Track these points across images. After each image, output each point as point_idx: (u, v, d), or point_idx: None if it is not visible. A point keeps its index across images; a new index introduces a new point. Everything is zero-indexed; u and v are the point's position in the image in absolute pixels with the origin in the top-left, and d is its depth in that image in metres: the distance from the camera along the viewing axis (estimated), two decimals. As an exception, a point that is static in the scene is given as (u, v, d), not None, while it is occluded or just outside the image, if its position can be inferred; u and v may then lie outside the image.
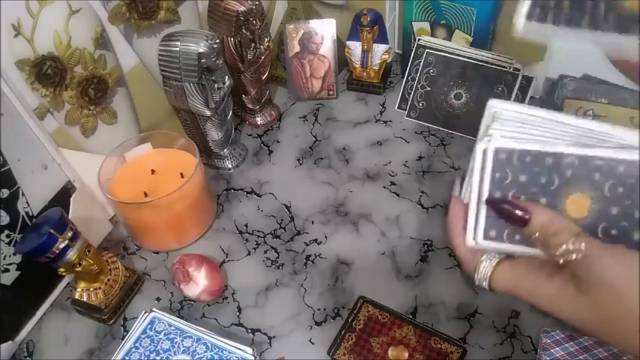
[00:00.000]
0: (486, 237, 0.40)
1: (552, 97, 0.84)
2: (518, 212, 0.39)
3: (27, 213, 0.64)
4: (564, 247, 0.36)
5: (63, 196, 0.69)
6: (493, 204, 0.40)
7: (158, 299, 0.70)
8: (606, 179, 0.38)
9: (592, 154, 0.38)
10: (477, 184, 0.41)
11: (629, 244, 0.37)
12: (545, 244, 0.38)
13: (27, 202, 0.64)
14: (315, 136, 0.89)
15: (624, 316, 0.34)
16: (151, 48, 0.74)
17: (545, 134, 0.40)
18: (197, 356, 0.60)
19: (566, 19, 0.38)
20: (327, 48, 0.92)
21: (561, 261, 0.37)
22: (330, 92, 0.95)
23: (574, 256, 0.36)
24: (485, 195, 0.40)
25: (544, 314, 0.62)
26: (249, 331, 0.65)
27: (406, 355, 0.59)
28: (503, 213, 0.40)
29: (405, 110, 0.89)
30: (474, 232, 0.41)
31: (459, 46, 0.85)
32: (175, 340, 0.61)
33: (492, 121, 0.42)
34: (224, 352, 0.60)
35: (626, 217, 0.38)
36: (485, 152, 0.40)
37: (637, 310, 0.33)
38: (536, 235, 0.38)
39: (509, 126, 0.41)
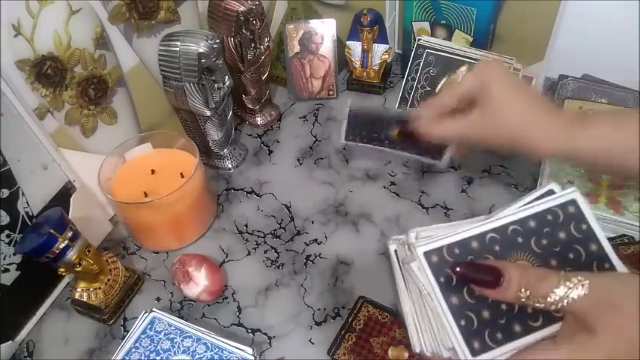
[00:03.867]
0: (474, 353, 0.38)
1: (552, 97, 0.84)
2: (487, 274, 0.37)
3: (27, 213, 0.64)
4: (561, 289, 0.35)
5: (63, 196, 0.68)
6: (460, 277, 0.38)
7: (158, 299, 0.70)
8: (528, 238, 0.39)
9: (503, 222, 0.39)
10: (433, 301, 0.39)
11: None
12: (536, 296, 0.35)
13: (27, 202, 0.64)
14: (315, 136, 0.89)
15: None
16: (151, 48, 0.74)
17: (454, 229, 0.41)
18: (197, 356, 0.60)
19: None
20: (327, 48, 0.92)
21: (565, 304, 0.34)
22: (330, 92, 0.95)
23: (577, 294, 0.34)
24: (443, 306, 0.38)
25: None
26: (249, 331, 0.65)
27: (406, 355, 0.59)
28: (473, 281, 0.38)
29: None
30: (462, 353, 0.39)
31: (459, 46, 0.85)
32: (175, 340, 0.61)
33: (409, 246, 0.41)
34: (224, 352, 0.60)
35: (565, 263, 0.39)
36: (418, 264, 0.39)
37: None
38: (522, 291, 0.36)
39: (425, 234, 0.41)
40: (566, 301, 0.34)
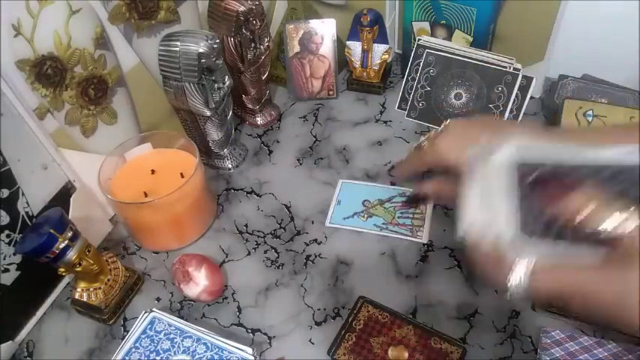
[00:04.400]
0: (522, 238, 0.40)
1: (552, 97, 0.84)
2: (558, 187, 0.39)
3: (27, 213, 0.64)
4: (615, 218, 0.36)
5: (63, 196, 0.68)
6: (535, 182, 0.40)
7: (158, 299, 0.70)
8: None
9: (597, 164, 0.40)
10: (501, 193, 0.41)
11: None
12: (592, 220, 0.38)
13: (27, 202, 0.64)
14: (315, 136, 0.89)
15: None
16: (151, 48, 0.74)
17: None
18: (197, 356, 0.60)
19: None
20: (327, 48, 0.92)
21: (617, 233, 0.36)
22: (330, 92, 0.95)
23: (630, 227, 0.36)
24: (509, 195, 0.41)
25: (544, 314, 0.62)
26: (249, 331, 0.65)
27: (406, 355, 0.59)
28: (543, 185, 0.40)
29: (405, 110, 0.89)
30: (511, 234, 0.41)
31: (459, 46, 0.85)
32: (175, 340, 0.61)
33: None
34: (224, 352, 0.60)
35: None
36: (501, 156, 0.41)
37: None
38: (581, 212, 0.38)
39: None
40: (620, 230, 0.36)
